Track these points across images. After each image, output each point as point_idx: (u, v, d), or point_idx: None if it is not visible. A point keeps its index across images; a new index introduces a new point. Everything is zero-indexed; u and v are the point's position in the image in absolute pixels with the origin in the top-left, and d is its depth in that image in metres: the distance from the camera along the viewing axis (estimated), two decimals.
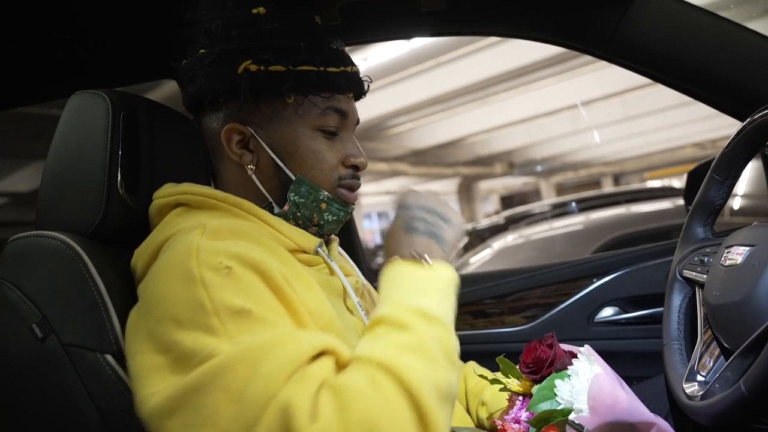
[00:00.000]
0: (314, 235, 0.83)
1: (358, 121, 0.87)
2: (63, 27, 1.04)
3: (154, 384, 0.59)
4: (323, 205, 0.81)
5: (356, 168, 0.84)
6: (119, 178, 0.81)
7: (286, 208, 0.80)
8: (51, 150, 0.83)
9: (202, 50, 0.80)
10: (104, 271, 0.75)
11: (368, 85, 0.87)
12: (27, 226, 0.82)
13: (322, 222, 0.82)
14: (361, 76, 0.86)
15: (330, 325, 0.70)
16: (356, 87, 0.84)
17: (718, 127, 10.92)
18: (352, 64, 0.84)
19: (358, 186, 0.85)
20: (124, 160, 0.82)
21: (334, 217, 0.82)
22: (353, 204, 0.85)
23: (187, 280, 0.61)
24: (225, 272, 0.62)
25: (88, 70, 1.19)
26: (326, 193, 0.81)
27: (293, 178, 0.80)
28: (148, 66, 1.23)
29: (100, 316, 0.72)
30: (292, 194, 0.80)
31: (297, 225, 0.81)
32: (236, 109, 0.80)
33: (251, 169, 0.80)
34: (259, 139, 0.80)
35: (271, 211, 0.81)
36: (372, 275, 1.37)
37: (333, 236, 0.91)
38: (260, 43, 0.77)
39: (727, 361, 0.73)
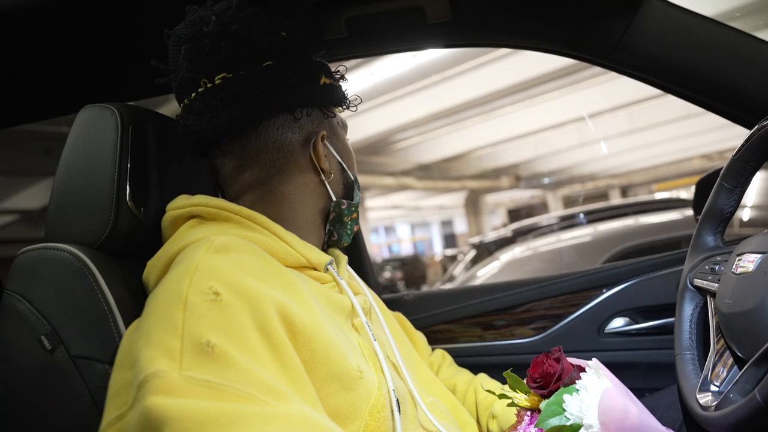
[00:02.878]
0: (354, 233, 0.90)
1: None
2: (72, 42, 1.05)
3: (113, 409, 0.60)
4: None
5: None
6: (128, 190, 0.81)
7: (354, 200, 0.88)
8: (60, 163, 0.83)
9: (268, 62, 0.78)
10: (113, 282, 0.76)
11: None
12: (37, 243, 0.82)
13: (357, 216, 0.90)
14: None
15: (329, 346, 0.68)
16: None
17: (725, 138, 10.89)
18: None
19: None
20: (132, 172, 0.82)
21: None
22: None
23: (173, 299, 0.61)
24: (211, 298, 0.60)
25: (97, 85, 1.20)
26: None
27: (353, 177, 0.89)
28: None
29: (108, 327, 0.72)
30: (357, 191, 0.89)
31: (351, 223, 0.88)
32: (313, 120, 0.84)
33: (331, 175, 0.85)
34: (329, 146, 0.85)
35: (327, 218, 0.87)
36: (379, 289, 1.37)
37: (342, 254, 0.92)
38: (324, 60, 0.86)
39: (740, 370, 0.72)
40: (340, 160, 0.87)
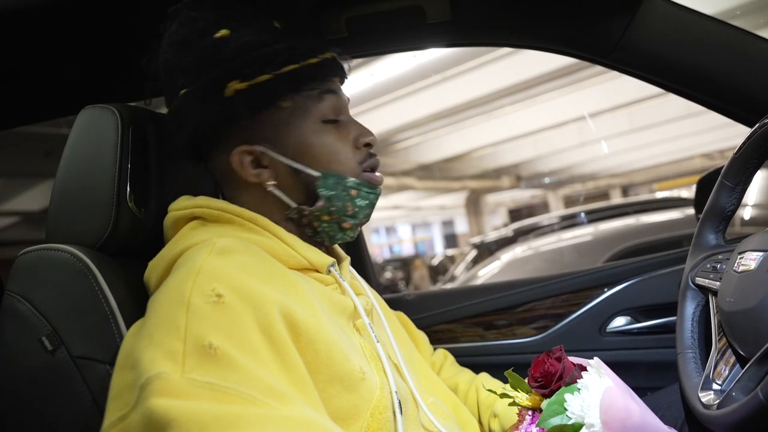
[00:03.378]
0: (347, 230, 0.83)
1: (348, 100, 0.88)
2: (72, 43, 1.05)
3: (114, 410, 0.59)
4: (353, 192, 0.81)
5: (369, 146, 0.84)
6: (128, 191, 0.81)
7: (320, 203, 0.79)
8: (61, 163, 0.83)
9: (184, 90, 0.77)
10: (114, 283, 0.76)
11: (349, 66, 0.87)
12: (38, 244, 0.82)
13: (356, 209, 0.81)
14: (338, 58, 0.84)
15: (332, 348, 0.68)
16: (339, 71, 0.84)
17: (726, 137, 10.88)
18: (328, 50, 0.82)
19: (378, 164, 0.85)
20: (133, 173, 0.82)
21: (366, 201, 0.82)
22: (380, 184, 0.85)
23: (176, 301, 0.61)
24: (213, 300, 0.60)
25: (98, 86, 1.21)
26: (353, 179, 0.81)
27: (317, 174, 0.79)
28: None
29: (109, 328, 0.72)
30: (322, 190, 0.79)
31: (322, 231, 0.82)
32: (238, 132, 0.78)
33: (272, 184, 0.79)
34: (270, 152, 0.79)
35: (299, 221, 0.81)
36: (380, 289, 1.37)
37: (344, 255, 0.92)
38: (239, 61, 0.75)
39: (743, 368, 0.72)
40: (288, 162, 0.79)
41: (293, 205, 0.80)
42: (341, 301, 0.79)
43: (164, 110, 0.95)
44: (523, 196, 17.76)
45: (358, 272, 0.95)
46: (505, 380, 0.86)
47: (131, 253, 0.83)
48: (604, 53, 1.14)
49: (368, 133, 0.84)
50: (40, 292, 0.75)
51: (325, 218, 0.81)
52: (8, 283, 0.77)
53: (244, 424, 0.53)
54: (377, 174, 0.85)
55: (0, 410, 0.75)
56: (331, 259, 0.82)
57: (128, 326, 0.72)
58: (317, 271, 0.80)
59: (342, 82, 0.87)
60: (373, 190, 0.83)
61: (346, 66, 0.86)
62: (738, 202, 0.94)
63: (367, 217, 0.85)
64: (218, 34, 0.76)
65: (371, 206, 0.84)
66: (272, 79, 0.76)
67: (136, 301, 0.76)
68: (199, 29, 0.77)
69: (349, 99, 0.87)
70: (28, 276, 0.77)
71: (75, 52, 1.08)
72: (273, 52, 0.76)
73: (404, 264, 11.85)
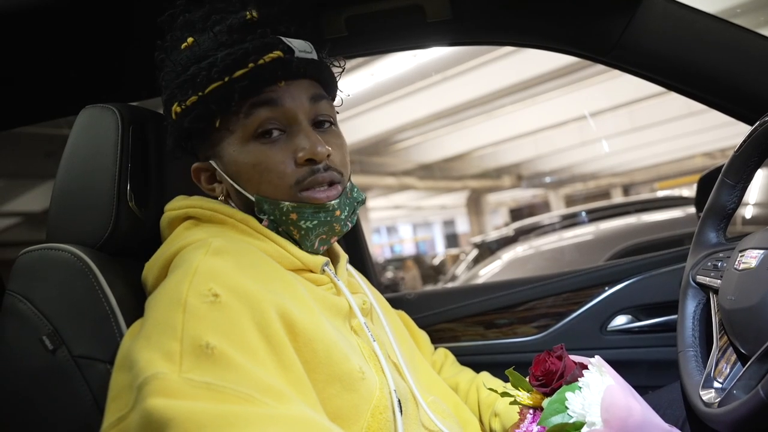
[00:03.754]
0: (320, 243, 0.80)
1: (317, 99, 0.79)
2: (72, 43, 1.05)
3: (114, 411, 0.59)
4: (293, 216, 0.75)
5: (313, 161, 0.75)
6: (128, 190, 0.81)
7: (265, 223, 0.78)
8: (61, 163, 0.83)
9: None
10: (114, 282, 0.76)
11: (300, 59, 0.77)
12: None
13: (303, 231, 0.77)
14: (293, 55, 0.76)
15: (330, 347, 0.68)
16: (281, 73, 0.75)
17: (727, 136, 10.87)
18: (267, 52, 0.74)
19: (326, 179, 0.76)
20: (133, 173, 0.82)
21: (314, 222, 0.76)
22: (331, 201, 0.76)
23: (173, 301, 0.61)
24: (210, 300, 0.60)
25: (98, 86, 1.21)
26: (287, 203, 0.75)
27: (252, 198, 0.76)
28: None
29: (110, 327, 0.72)
30: (261, 214, 0.77)
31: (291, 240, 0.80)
32: (198, 147, 0.82)
33: (221, 199, 0.81)
34: (218, 169, 0.80)
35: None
36: (381, 288, 1.37)
37: (342, 253, 0.91)
38: (177, 82, 0.76)
39: (744, 367, 0.72)
40: (229, 181, 0.78)
41: (251, 218, 0.79)
42: (335, 303, 0.78)
43: None
44: (524, 195, 17.76)
45: (359, 271, 0.94)
46: (506, 379, 0.86)
47: (131, 252, 0.84)
48: (605, 51, 1.14)
49: (311, 146, 0.75)
50: (41, 291, 0.75)
51: (278, 236, 0.78)
52: (9, 282, 0.77)
53: (243, 423, 0.52)
54: (322, 191, 0.76)
55: (1, 409, 0.75)
56: (324, 259, 0.81)
57: (128, 325, 0.72)
58: (311, 271, 0.79)
59: (315, 77, 0.80)
60: (321, 209, 0.76)
61: (293, 60, 0.76)
62: (739, 200, 0.94)
63: (329, 233, 0.79)
64: (183, 45, 0.77)
65: (326, 224, 0.77)
66: (197, 100, 0.74)
67: (136, 301, 0.76)
68: (171, 41, 0.79)
69: (318, 98, 0.79)
70: (29, 275, 0.77)
71: (75, 53, 1.08)
72: (196, 72, 0.74)
73: (405, 264, 11.85)
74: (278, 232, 0.79)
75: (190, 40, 0.77)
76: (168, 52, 0.80)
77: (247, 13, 0.76)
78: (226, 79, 0.73)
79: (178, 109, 0.76)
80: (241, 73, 0.73)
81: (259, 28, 0.76)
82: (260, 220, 0.78)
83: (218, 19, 0.76)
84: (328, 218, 0.77)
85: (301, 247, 0.79)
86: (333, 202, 0.77)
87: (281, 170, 0.75)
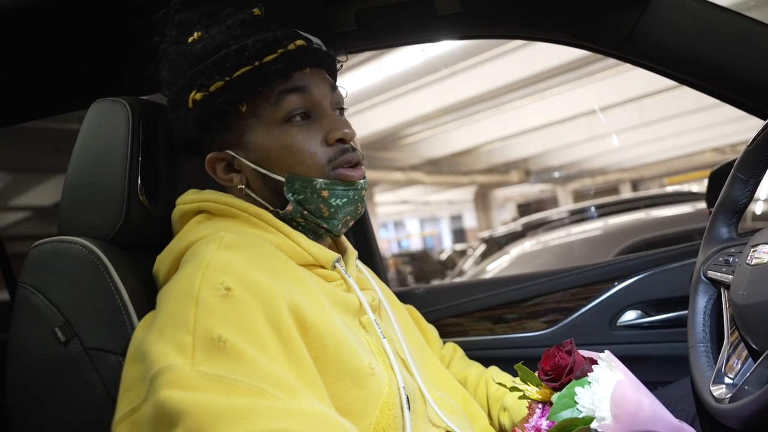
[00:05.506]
0: (343, 226, 0.82)
1: (335, 88, 0.83)
2: (82, 37, 1.06)
3: (126, 403, 0.60)
4: (325, 193, 0.78)
5: (343, 141, 0.79)
6: (139, 184, 0.82)
7: (289, 208, 0.79)
8: (72, 157, 0.84)
9: (167, 98, 0.82)
10: (125, 275, 0.76)
11: (319, 49, 0.81)
12: None
13: (333, 209, 0.79)
14: (312, 45, 0.80)
15: (340, 342, 0.68)
16: (307, 60, 0.79)
17: (738, 131, 10.78)
18: (293, 39, 0.78)
19: (357, 159, 0.80)
20: (144, 166, 0.83)
21: (344, 199, 0.79)
22: (360, 179, 0.80)
23: (185, 295, 0.61)
24: (222, 294, 0.61)
25: (108, 80, 1.21)
26: (321, 180, 0.78)
27: (282, 179, 0.78)
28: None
29: (121, 319, 0.73)
30: (290, 194, 0.78)
31: (310, 228, 0.81)
32: (211, 138, 0.81)
33: (242, 189, 0.80)
34: (238, 157, 0.80)
35: (285, 220, 0.81)
36: (389, 283, 1.37)
37: (352, 249, 0.91)
38: (196, 70, 0.76)
39: (755, 362, 0.71)
40: (253, 166, 0.79)
41: (270, 207, 0.80)
42: (346, 299, 0.79)
43: None
44: (532, 190, 17.69)
45: (367, 266, 0.94)
46: (515, 373, 0.86)
47: (142, 245, 0.84)
48: (616, 45, 1.13)
49: (340, 127, 0.79)
50: (53, 283, 0.76)
51: (300, 220, 0.80)
52: (21, 275, 0.78)
53: (254, 416, 0.53)
54: (354, 170, 0.80)
55: (14, 401, 0.76)
56: (336, 255, 0.81)
57: (140, 318, 0.73)
58: (322, 266, 0.80)
59: (328, 68, 0.83)
60: (350, 186, 0.79)
61: (316, 51, 0.80)
62: (751, 195, 0.93)
63: (353, 214, 0.82)
64: (190, 39, 0.78)
65: (353, 203, 0.80)
66: (225, 85, 0.75)
67: (148, 293, 0.76)
68: (174, 36, 0.80)
69: (335, 87, 0.83)
70: (41, 268, 0.77)
71: (85, 46, 1.09)
72: (222, 57, 0.75)
73: (412, 258, 11.88)
74: (294, 225, 0.80)
75: (197, 34, 0.78)
76: (172, 46, 0.80)
77: (256, 9, 0.80)
78: (257, 63, 0.75)
79: (198, 96, 0.76)
80: (271, 58, 0.75)
81: (270, 23, 0.79)
82: (284, 205, 0.79)
83: (231, 12, 0.79)
84: (356, 197, 0.81)
85: (327, 228, 0.81)
86: (361, 181, 0.81)
87: (314, 150, 0.78)
